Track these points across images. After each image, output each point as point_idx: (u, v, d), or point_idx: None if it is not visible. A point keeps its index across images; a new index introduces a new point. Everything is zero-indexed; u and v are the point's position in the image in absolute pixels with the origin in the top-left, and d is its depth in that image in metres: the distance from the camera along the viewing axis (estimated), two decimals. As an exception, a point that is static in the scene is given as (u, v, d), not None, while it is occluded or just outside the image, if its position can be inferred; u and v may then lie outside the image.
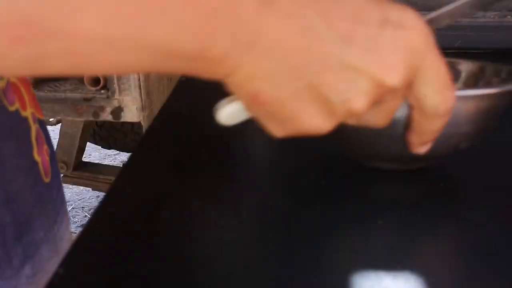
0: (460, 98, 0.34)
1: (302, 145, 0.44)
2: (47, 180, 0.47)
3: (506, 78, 0.43)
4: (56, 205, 0.50)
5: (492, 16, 0.78)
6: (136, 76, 0.88)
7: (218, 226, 0.37)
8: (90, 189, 1.43)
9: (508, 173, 0.44)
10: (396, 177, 0.43)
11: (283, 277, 0.33)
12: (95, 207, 0.39)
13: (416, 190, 0.42)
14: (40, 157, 0.46)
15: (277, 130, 0.29)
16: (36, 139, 0.46)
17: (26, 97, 0.45)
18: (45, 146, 0.48)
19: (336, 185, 0.42)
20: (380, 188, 0.43)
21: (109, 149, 1.59)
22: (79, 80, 0.94)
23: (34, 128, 0.45)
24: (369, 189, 0.42)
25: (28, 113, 0.45)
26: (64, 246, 0.51)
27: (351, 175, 0.43)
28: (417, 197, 0.41)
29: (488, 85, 0.44)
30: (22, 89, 0.45)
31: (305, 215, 0.38)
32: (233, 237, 0.36)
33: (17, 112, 0.43)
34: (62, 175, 1.39)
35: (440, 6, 0.83)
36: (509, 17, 0.78)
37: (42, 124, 0.49)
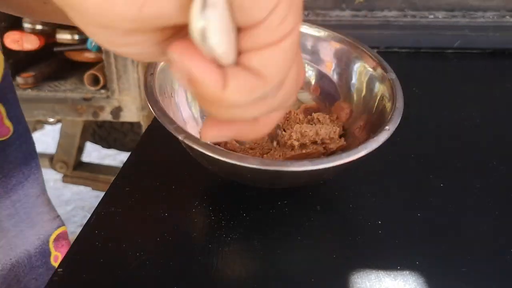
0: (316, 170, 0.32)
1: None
2: None
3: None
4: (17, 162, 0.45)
5: (491, 16, 0.79)
6: (136, 75, 0.88)
7: (219, 226, 0.38)
8: (90, 189, 1.43)
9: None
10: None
11: (283, 276, 0.33)
12: (95, 207, 0.39)
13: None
14: None
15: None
16: None
17: None
18: None
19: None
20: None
21: (108, 148, 1.59)
22: (79, 80, 0.94)
23: None
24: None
25: None
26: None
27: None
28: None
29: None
30: None
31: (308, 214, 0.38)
32: (235, 236, 0.36)
33: None
34: (62, 175, 1.39)
35: (439, 6, 0.83)
36: (507, 17, 0.78)
37: None
